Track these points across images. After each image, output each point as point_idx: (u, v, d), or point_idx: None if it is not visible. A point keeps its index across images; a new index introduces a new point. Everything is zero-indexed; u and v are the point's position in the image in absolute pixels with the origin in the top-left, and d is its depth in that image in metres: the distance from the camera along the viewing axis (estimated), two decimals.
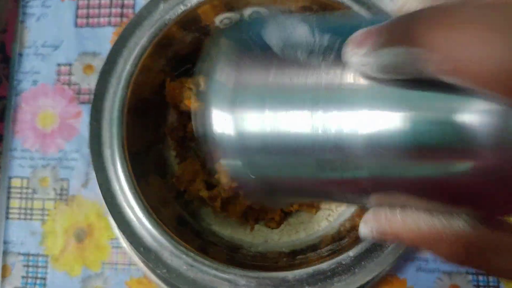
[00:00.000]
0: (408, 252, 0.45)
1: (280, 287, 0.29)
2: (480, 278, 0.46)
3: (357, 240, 0.30)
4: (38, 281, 0.49)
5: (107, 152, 0.32)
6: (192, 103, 0.37)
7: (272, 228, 0.39)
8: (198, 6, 0.34)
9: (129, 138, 0.34)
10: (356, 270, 0.29)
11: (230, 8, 0.36)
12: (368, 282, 0.40)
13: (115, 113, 0.33)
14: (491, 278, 0.46)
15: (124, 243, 0.45)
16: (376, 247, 0.30)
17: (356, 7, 0.32)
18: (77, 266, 0.48)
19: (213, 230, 0.38)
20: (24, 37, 0.52)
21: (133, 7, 0.52)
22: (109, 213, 0.31)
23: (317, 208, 0.40)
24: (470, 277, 0.46)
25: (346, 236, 0.34)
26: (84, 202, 0.49)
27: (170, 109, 0.41)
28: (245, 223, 0.39)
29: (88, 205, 0.49)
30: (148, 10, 0.35)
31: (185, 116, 0.41)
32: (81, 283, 0.48)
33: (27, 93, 0.51)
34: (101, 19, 0.52)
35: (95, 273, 0.48)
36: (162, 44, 0.35)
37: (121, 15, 0.52)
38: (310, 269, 0.29)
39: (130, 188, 0.31)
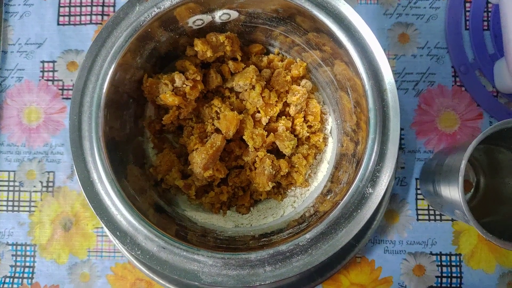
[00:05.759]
0: (375, 234, 0.48)
1: (244, 266, 0.31)
2: (443, 258, 0.49)
3: (315, 224, 0.32)
4: (26, 270, 0.50)
5: (86, 144, 0.34)
6: (166, 98, 0.39)
7: (243, 214, 0.42)
8: (171, 8, 0.36)
9: (108, 130, 0.35)
10: (312, 251, 0.32)
11: (202, 10, 0.38)
12: (339, 263, 0.43)
13: (94, 108, 0.35)
14: (453, 258, 0.49)
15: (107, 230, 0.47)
16: (331, 230, 0.32)
17: (315, 11, 0.34)
18: (64, 254, 0.50)
19: (187, 216, 0.40)
20: (8, 35, 0.54)
21: (114, 5, 0.54)
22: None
23: (283, 196, 0.42)
24: (433, 257, 0.49)
25: (306, 220, 0.36)
26: (69, 193, 0.51)
27: (148, 103, 0.43)
28: (218, 209, 0.42)
29: (73, 196, 0.51)
30: (124, 12, 0.36)
31: (162, 110, 0.43)
32: (68, 270, 0.50)
33: (12, 90, 0.53)
34: (83, 17, 0.53)
35: (81, 261, 0.50)
36: (139, 43, 0.37)
37: (102, 14, 0.53)
38: (270, 250, 0.31)
39: (107, 177, 0.33)
